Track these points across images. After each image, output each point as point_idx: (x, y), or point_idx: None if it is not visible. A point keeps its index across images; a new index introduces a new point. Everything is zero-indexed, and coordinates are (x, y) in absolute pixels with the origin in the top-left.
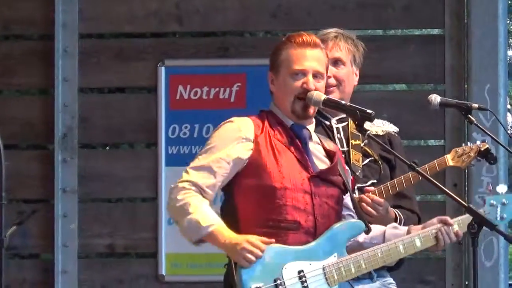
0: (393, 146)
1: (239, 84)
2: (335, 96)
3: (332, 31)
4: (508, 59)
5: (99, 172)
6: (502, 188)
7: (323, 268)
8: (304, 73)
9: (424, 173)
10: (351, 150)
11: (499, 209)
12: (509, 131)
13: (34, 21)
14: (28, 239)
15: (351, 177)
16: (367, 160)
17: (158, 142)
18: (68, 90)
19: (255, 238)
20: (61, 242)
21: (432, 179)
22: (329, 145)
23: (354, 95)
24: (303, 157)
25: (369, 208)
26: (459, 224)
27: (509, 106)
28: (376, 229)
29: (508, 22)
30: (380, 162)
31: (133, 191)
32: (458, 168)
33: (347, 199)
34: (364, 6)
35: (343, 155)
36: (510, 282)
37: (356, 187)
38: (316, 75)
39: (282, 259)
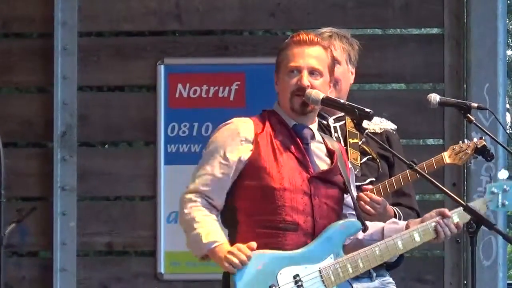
0: (391, 144)
1: (238, 82)
2: (331, 95)
3: (326, 30)
4: (507, 59)
5: (98, 170)
6: (503, 174)
7: (320, 270)
8: (299, 70)
9: (422, 171)
10: (348, 148)
11: (500, 196)
12: (508, 131)
13: (33, 19)
14: (27, 237)
15: (353, 173)
16: (365, 158)
17: (157, 141)
18: (67, 88)
19: (240, 245)
20: (60, 240)
21: (430, 178)
22: (333, 144)
23: (353, 94)
24: (304, 158)
25: (367, 207)
26: (459, 215)
27: (508, 106)
28: (376, 225)
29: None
30: (378, 160)
31: (132, 190)
32: (456, 166)
33: (348, 198)
34: (363, 5)
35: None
36: (508, 282)
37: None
38: (312, 72)
39: (276, 265)
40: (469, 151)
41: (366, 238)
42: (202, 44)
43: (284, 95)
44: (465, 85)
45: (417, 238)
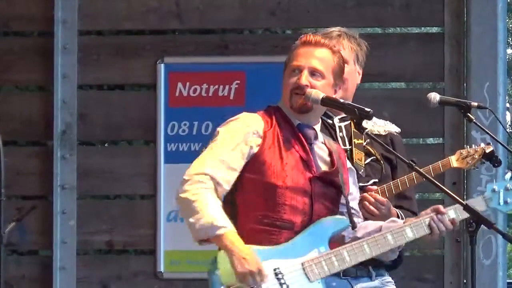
0: (394, 146)
1: (238, 81)
2: (338, 95)
3: (335, 29)
4: (507, 58)
5: (98, 169)
6: (507, 174)
7: (302, 263)
8: (300, 69)
9: (425, 174)
10: (353, 149)
11: (501, 194)
12: (508, 130)
13: (33, 18)
14: (27, 236)
15: (354, 174)
16: (369, 159)
17: (157, 139)
18: (68, 86)
19: (264, 271)
20: (59, 238)
21: (430, 177)
22: (332, 145)
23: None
24: (308, 157)
25: (372, 207)
26: (455, 211)
27: (508, 105)
28: (376, 223)
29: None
30: (382, 161)
31: (132, 188)
32: (460, 169)
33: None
34: (363, 4)
35: (346, 154)
36: (508, 281)
37: (358, 186)
38: (314, 72)
39: None
40: (476, 156)
41: (365, 236)
42: (202, 43)
43: (285, 93)
44: (465, 84)
45: (409, 233)
